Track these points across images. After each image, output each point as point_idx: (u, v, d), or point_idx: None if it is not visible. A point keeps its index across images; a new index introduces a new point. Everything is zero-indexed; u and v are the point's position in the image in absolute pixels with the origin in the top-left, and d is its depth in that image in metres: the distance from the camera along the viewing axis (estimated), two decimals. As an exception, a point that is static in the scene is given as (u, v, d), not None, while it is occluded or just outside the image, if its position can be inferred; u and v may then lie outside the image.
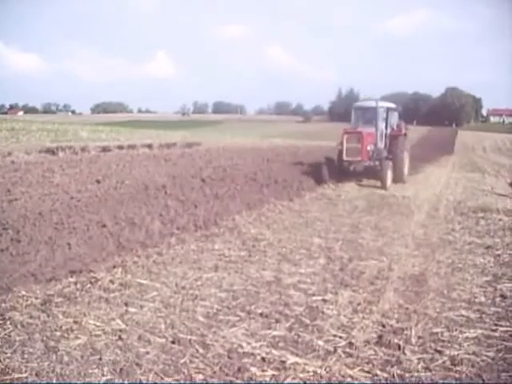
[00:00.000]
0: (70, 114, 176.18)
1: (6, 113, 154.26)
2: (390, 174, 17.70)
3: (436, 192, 16.80)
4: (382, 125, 19.10)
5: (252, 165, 20.73)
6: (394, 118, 20.35)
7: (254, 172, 18.27)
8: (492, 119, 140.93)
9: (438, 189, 17.75)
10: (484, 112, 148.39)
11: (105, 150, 22.26)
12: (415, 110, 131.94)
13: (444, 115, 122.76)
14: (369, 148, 17.88)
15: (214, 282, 6.93)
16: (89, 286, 6.55)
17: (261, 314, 5.81)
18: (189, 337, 5.15)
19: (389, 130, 19.58)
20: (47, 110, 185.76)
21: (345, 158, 17.86)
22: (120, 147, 23.33)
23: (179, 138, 32.14)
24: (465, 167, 28.73)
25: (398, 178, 18.75)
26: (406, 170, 20.03)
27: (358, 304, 6.23)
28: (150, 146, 25.43)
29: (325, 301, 6.33)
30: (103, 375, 4.41)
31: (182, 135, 35.15)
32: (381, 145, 18.95)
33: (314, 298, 6.43)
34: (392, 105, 20.40)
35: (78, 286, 6.52)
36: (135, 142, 25.68)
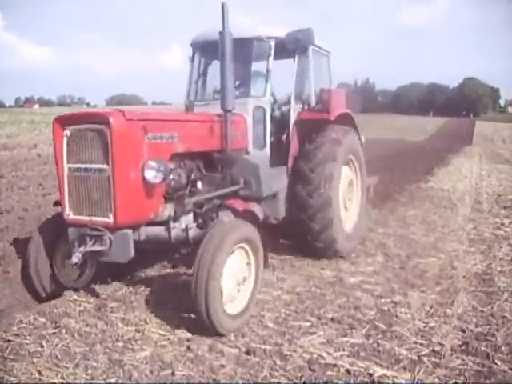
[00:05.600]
0: (85, 106, 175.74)
1: (22, 106, 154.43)
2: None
3: (472, 184, 16.16)
4: (257, 92, 7.10)
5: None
6: (317, 74, 7.81)
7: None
8: (510, 110, 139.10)
9: (473, 181, 17.03)
10: (502, 102, 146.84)
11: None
12: (432, 100, 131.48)
13: (461, 106, 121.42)
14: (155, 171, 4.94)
15: (274, 282, 6.50)
16: (142, 288, 6.14)
17: (332, 319, 5.35)
18: (263, 346, 4.66)
19: (295, 108, 7.39)
20: (62, 103, 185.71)
21: (67, 215, 5.10)
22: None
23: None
24: (492, 158, 27.99)
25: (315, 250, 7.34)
26: (353, 226, 8.11)
27: (431, 307, 5.76)
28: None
29: (395, 303, 5.86)
30: (178, 393, 3.95)
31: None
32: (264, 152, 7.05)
33: (383, 300, 5.97)
34: (291, 36, 6.76)
35: (131, 288, 6.11)
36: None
